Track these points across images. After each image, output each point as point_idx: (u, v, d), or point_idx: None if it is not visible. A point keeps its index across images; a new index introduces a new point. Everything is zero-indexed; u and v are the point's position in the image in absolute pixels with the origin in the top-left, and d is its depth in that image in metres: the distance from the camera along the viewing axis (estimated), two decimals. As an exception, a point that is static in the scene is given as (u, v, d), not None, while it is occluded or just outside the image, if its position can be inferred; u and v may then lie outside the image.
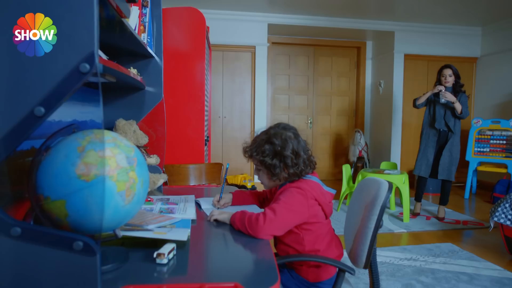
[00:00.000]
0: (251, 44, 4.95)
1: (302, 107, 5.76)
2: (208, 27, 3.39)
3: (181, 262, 0.88)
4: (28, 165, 0.78)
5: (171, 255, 0.88)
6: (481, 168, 4.73)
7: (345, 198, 4.13)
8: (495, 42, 5.14)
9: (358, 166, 5.41)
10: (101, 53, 0.94)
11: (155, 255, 0.85)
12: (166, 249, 0.87)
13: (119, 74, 1.17)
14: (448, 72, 3.46)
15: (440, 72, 3.54)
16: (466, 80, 5.01)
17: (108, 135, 0.81)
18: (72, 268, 0.70)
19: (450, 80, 3.46)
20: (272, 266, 0.86)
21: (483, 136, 4.74)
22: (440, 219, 3.62)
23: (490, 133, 4.69)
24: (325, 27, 5.03)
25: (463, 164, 4.92)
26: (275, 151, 1.21)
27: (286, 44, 5.60)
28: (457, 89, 3.47)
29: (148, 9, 1.54)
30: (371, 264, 1.22)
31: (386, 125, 5.43)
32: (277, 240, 1.26)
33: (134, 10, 1.38)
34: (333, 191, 1.28)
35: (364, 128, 5.84)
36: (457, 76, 3.47)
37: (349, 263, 1.27)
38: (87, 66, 0.67)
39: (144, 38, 1.54)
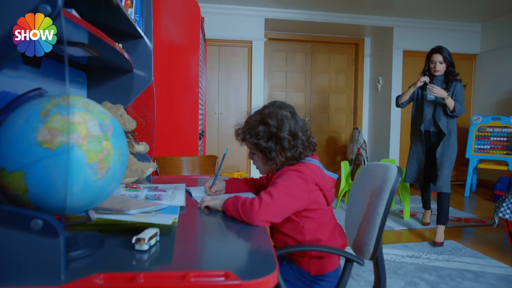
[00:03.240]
0: (248, 39, 4.84)
1: (300, 105, 5.65)
2: (203, 18, 3.29)
3: (165, 249, 0.77)
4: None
5: (153, 241, 0.76)
6: (481, 166, 4.65)
7: (344, 196, 4.03)
8: (495, 39, 5.07)
9: (356, 163, 5.32)
10: (76, 13, 0.83)
11: (133, 240, 0.73)
12: (147, 234, 0.75)
13: (101, 45, 1.06)
14: (438, 58, 2.76)
15: (428, 59, 2.85)
16: (465, 76, 4.94)
17: (79, 99, 0.70)
18: (31, 251, 0.59)
19: (440, 68, 2.78)
20: (269, 253, 0.75)
21: (483, 133, 4.65)
22: (438, 244, 2.75)
23: (491, 130, 4.61)
24: (323, 22, 4.93)
25: (463, 162, 4.84)
26: (270, 133, 1.10)
27: (283, 40, 5.50)
28: (450, 78, 2.80)
29: (135, -17, 1.43)
30: (377, 257, 1.11)
31: (384, 122, 5.33)
32: (274, 229, 1.14)
33: (120, -19, 1.27)
34: (335, 176, 1.17)
35: (362, 126, 5.74)
36: (449, 63, 2.77)
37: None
38: (48, 8, 0.56)
39: (131, 14, 1.43)
